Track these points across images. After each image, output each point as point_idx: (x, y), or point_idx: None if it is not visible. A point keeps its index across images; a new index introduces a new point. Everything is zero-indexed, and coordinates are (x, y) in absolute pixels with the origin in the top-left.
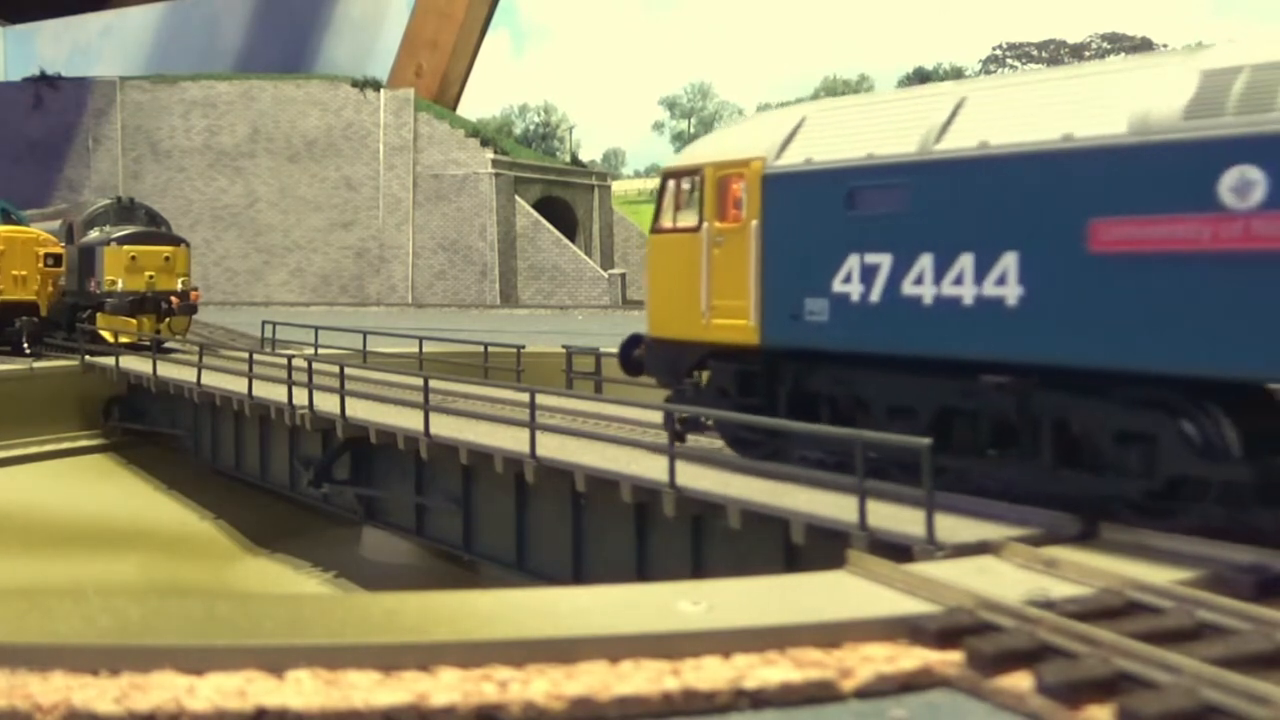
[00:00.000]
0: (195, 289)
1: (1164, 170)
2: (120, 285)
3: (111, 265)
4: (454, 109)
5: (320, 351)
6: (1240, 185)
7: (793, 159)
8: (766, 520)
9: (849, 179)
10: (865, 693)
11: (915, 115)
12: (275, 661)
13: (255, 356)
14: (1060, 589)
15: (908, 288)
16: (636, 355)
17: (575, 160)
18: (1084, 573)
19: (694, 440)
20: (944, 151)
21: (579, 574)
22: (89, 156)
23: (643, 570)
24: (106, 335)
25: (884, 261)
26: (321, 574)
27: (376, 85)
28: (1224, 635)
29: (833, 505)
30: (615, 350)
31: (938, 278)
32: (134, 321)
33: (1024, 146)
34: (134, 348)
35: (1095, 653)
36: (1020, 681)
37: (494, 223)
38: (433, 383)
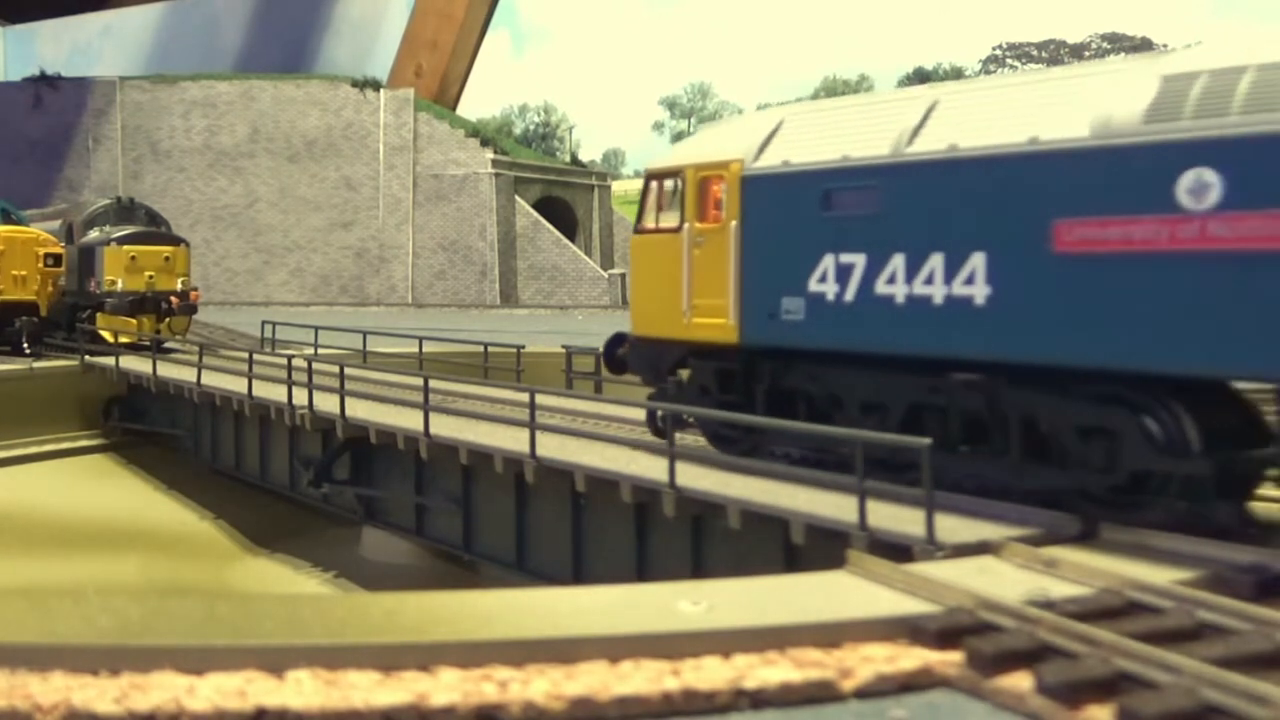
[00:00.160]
0: (195, 289)
1: (1125, 172)
2: (120, 285)
3: (111, 265)
4: (454, 109)
5: (320, 351)
6: (1197, 187)
7: (770, 161)
8: (766, 520)
9: (824, 180)
10: (865, 693)
11: (888, 118)
12: (275, 661)
13: (255, 356)
14: (1060, 589)
15: (880, 287)
16: (620, 354)
17: (575, 160)
18: (1084, 573)
19: (680, 438)
20: (915, 154)
21: (579, 574)
22: (89, 156)
23: (643, 570)
24: (106, 335)
25: (858, 261)
26: (321, 574)
27: (376, 85)
28: (1224, 635)
29: (833, 505)
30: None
31: (909, 277)
32: (134, 321)
33: (991, 149)
34: (134, 348)
35: (1095, 653)
36: (1020, 681)
37: (494, 223)
38: (433, 383)
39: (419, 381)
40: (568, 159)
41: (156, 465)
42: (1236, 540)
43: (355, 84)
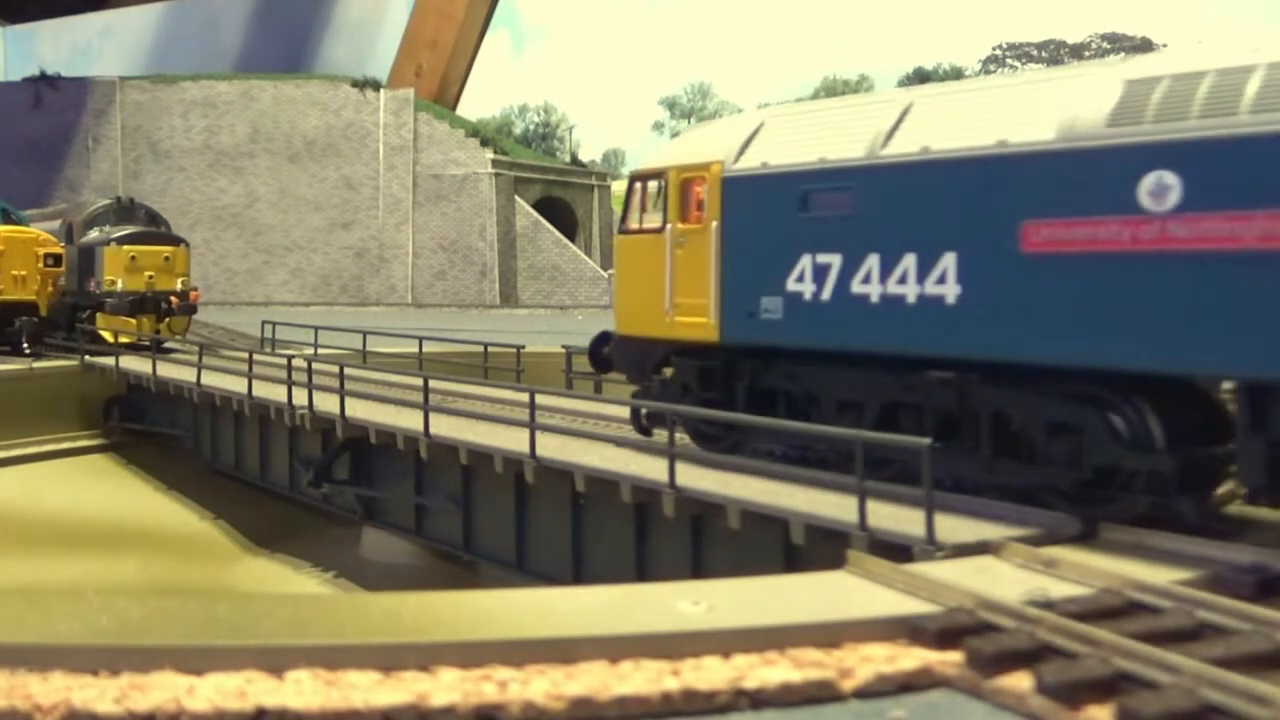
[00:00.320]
0: (195, 289)
1: (1089, 175)
2: (120, 285)
3: (111, 265)
4: (454, 109)
5: (320, 351)
6: (1157, 189)
7: (750, 162)
8: (766, 520)
9: (802, 182)
10: (865, 693)
11: (864, 121)
12: (275, 661)
13: (255, 356)
14: (1060, 589)
15: (856, 287)
16: (605, 352)
17: (575, 160)
18: (1084, 573)
19: (663, 434)
20: (889, 156)
21: (579, 574)
22: (89, 156)
23: (643, 570)
24: (106, 335)
25: (834, 261)
26: (321, 574)
27: (376, 85)
28: (1224, 635)
29: (832, 505)
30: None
31: (883, 277)
32: (134, 321)
33: (961, 151)
34: (134, 348)
35: (1095, 653)
36: (1020, 681)
37: (494, 223)
38: (432, 383)
39: (419, 381)
40: (568, 159)
41: (156, 465)
42: (1224, 538)
43: (355, 84)
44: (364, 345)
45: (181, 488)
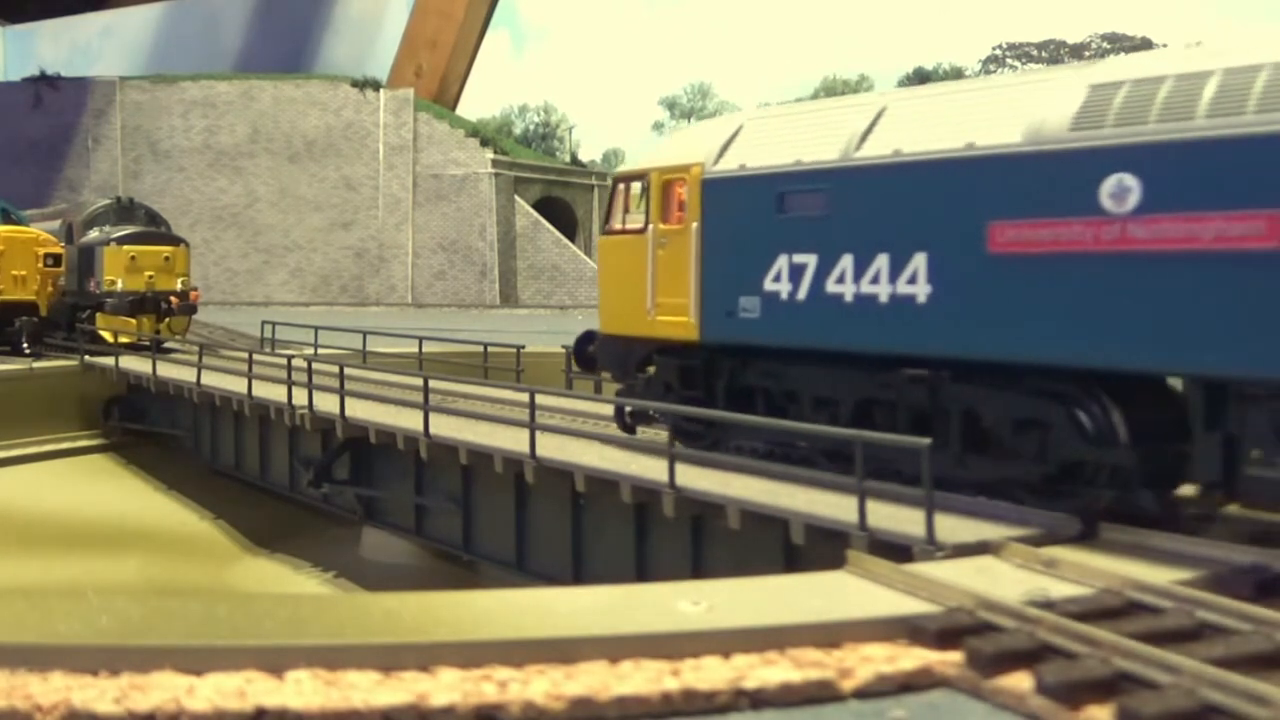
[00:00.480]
0: (195, 289)
1: (1053, 177)
2: (120, 285)
3: (111, 265)
4: (454, 109)
5: (320, 351)
6: (1118, 191)
7: (729, 164)
8: (766, 520)
9: (779, 184)
10: (865, 693)
11: (839, 124)
12: (275, 661)
13: (255, 356)
14: (1060, 589)
15: (831, 286)
16: (590, 351)
17: (575, 160)
18: (1084, 573)
19: (644, 431)
20: (862, 158)
21: (579, 574)
22: (89, 156)
23: (642, 570)
24: (106, 335)
25: (810, 262)
26: (321, 574)
27: (376, 85)
28: (1224, 635)
29: (832, 505)
30: None
31: (857, 277)
32: (134, 321)
33: (931, 154)
34: (134, 348)
35: (1095, 653)
36: (1020, 681)
37: (494, 223)
38: (432, 383)
39: (419, 381)
40: (567, 159)
41: (156, 465)
42: (1236, 540)
43: (355, 84)
44: (364, 345)
45: (181, 488)
